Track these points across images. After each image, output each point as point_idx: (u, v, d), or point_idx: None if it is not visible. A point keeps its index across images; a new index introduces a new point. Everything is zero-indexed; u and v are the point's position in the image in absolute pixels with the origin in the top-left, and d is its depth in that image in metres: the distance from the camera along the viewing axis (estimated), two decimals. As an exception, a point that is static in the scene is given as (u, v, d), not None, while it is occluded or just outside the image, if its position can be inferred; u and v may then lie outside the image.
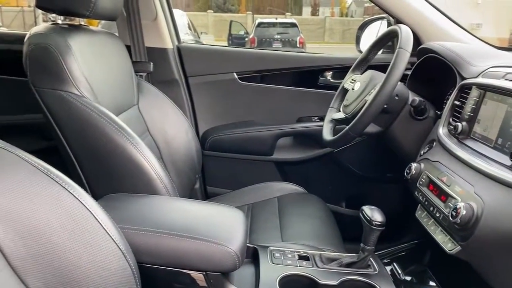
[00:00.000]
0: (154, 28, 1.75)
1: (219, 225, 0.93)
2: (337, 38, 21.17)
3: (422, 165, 1.14)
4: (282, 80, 1.87)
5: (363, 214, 0.99)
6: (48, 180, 0.66)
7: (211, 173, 1.86)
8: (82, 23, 1.28)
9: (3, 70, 1.87)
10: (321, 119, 1.77)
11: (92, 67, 1.16)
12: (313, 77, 1.86)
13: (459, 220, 0.88)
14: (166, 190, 1.11)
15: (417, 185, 1.12)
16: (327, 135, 1.36)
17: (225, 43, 12.95)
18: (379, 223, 0.96)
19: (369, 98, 1.18)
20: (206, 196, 1.88)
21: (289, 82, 1.86)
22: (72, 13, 1.16)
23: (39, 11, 1.24)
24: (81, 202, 0.67)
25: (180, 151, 1.48)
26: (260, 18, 13.82)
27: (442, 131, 1.14)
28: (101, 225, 0.68)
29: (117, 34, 1.73)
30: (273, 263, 1.05)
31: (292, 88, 1.85)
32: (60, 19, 1.21)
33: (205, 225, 0.92)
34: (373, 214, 0.97)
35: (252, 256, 1.10)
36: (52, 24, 1.19)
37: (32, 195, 0.64)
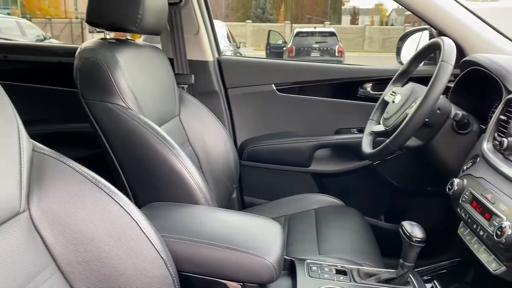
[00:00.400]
0: (196, 42, 1.80)
1: (257, 236, 0.94)
2: (376, 47, 20.91)
3: (465, 181, 1.11)
4: (321, 91, 1.86)
5: (402, 230, 0.97)
6: (96, 189, 0.69)
7: (249, 183, 1.87)
8: (129, 37, 1.34)
9: (53, 81, 1.97)
10: (360, 131, 1.76)
11: (138, 80, 1.21)
12: (352, 88, 1.85)
13: (504, 239, 0.85)
14: (205, 200, 1.13)
15: (460, 201, 1.09)
16: (367, 147, 1.34)
17: (263, 53, 13.05)
18: (419, 239, 0.94)
19: (410, 111, 1.16)
20: (243, 206, 1.89)
21: (327, 93, 1.86)
22: (119, 29, 1.21)
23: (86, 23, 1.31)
24: (126, 211, 0.70)
25: (218, 161, 1.51)
26: (299, 28, 13.85)
27: (486, 146, 1.10)
28: (144, 233, 0.71)
29: (160, 46, 1.79)
30: (310, 276, 1.04)
31: (331, 99, 1.84)
32: (108, 34, 1.27)
33: (243, 236, 0.93)
34: (413, 230, 0.95)
35: (289, 268, 1.10)
36: (100, 39, 1.25)
37: (81, 203, 0.67)
